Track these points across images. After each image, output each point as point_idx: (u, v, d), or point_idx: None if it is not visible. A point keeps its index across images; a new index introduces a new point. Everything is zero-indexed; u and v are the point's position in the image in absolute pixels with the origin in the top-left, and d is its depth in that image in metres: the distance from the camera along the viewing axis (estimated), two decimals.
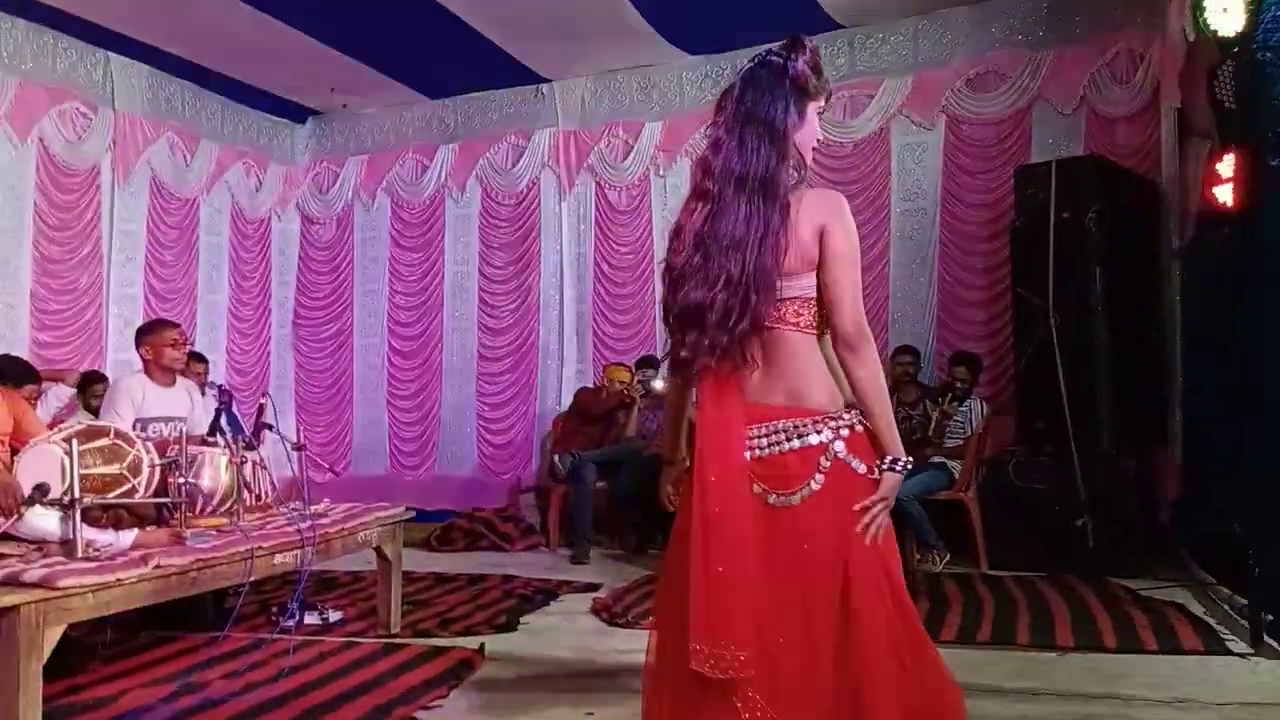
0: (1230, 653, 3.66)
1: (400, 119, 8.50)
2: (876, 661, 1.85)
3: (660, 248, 7.45)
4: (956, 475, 5.72)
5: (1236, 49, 4.02)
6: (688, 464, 2.09)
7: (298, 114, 8.64)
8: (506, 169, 8.09)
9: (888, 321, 6.83)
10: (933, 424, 5.95)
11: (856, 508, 1.92)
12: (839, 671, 1.87)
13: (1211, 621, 4.11)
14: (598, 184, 7.85)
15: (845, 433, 1.95)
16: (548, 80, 7.89)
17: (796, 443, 1.94)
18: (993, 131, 6.66)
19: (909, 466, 1.99)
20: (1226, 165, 4.25)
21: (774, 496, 1.93)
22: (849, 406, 1.98)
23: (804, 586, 1.91)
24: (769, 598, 1.89)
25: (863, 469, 1.94)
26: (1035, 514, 5.41)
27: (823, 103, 2.07)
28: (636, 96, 7.73)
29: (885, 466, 1.95)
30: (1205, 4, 4.14)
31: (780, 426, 1.95)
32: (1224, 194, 4.26)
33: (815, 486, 1.92)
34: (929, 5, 6.70)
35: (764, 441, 1.95)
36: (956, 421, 5.91)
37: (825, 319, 1.98)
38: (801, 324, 1.98)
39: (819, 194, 2.00)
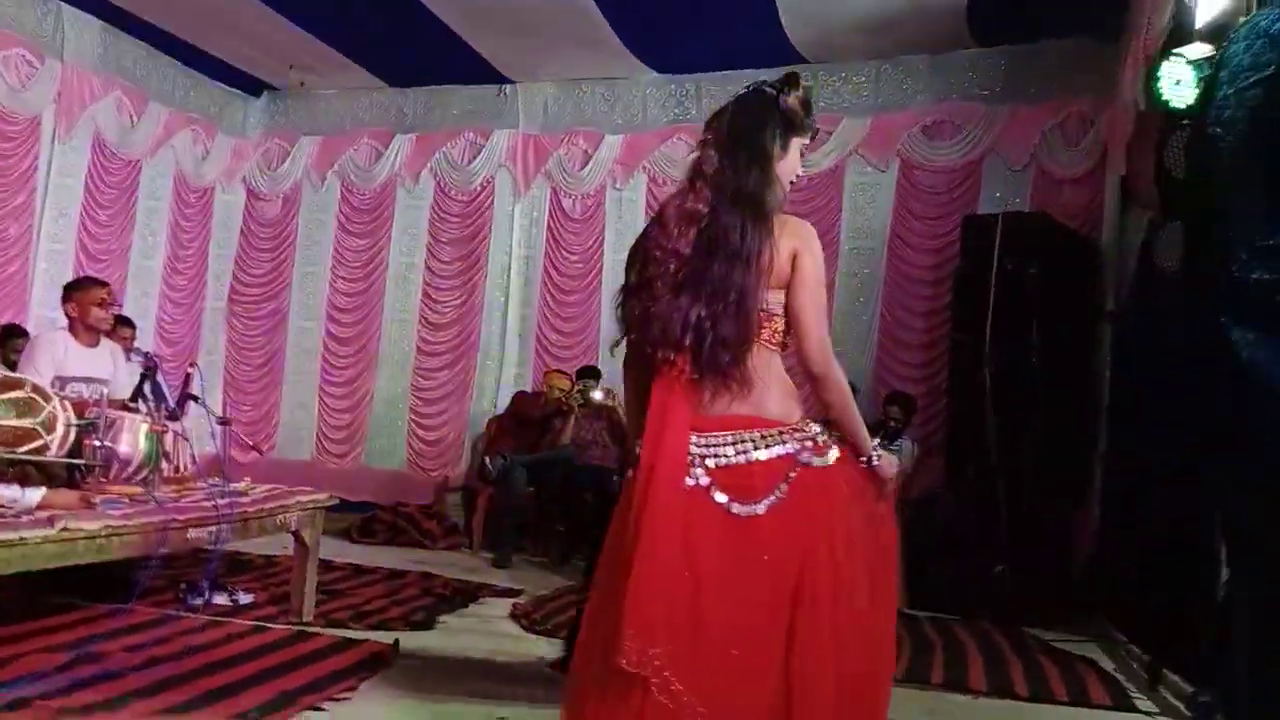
0: (1136, 709, 3.74)
1: (358, 103, 8.37)
2: (816, 673, 1.88)
3: (611, 259, 7.53)
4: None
5: (1187, 121, 4.16)
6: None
7: (253, 87, 8.45)
8: (462, 165, 8.01)
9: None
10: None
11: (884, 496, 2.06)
12: (780, 682, 1.89)
13: (1121, 678, 4.20)
14: (553, 190, 7.82)
15: (815, 442, 2.01)
16: (512, 81, 7.84)
17: (764, 453, 1.97)
18: (944, 179, 6.80)
19: (880, 457, 2.07)
20: (1173, 233, 4.38)
21: (737, 506, 1.94)
22: (808, 420, 2.04)
23: (762, 599, 1.91)
24: (722, 608, 1.89)
25: (832, 458, 2.00)
26: (956, 557, 5.49)
27: (807, 139, 2.16)
28: (600, 107, 7.73)
29: (869, 464, 2.05)
30: (1160, 76, 4.27)
31: (747, 436, 1.98)
32: (1167, 261, 4.38)
33: (779, 496, 1.95)
34: (892, 50, 6.83)
35: (730, 450, 1.97)
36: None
37: (786, 335, 2.05)
38: (765, 338, 2.03)
39: (794, 220, 2.07)
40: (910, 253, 6.84)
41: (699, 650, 1.87)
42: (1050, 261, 5.64)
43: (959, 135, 6.77)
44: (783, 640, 1.90)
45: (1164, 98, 4.34)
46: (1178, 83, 4.25)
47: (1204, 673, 3.19)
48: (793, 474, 1.96)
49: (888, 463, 2.09)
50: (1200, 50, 4.03)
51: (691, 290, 1.97)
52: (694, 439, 1.97)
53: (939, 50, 6.77)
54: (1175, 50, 4.19)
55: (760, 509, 1.94)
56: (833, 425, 2.05)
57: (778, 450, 1.97)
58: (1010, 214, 5.99)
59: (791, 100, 2.10)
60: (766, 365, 2.03)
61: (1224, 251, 1.52)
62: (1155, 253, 4.39)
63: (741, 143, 2.07)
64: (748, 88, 2.16)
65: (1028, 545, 5.37)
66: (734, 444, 1.97)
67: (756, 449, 1.97)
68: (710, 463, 1.96)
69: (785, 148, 2.10)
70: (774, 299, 2.02)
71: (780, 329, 2.04)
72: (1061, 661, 4.39)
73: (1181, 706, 3.58)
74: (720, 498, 1.94)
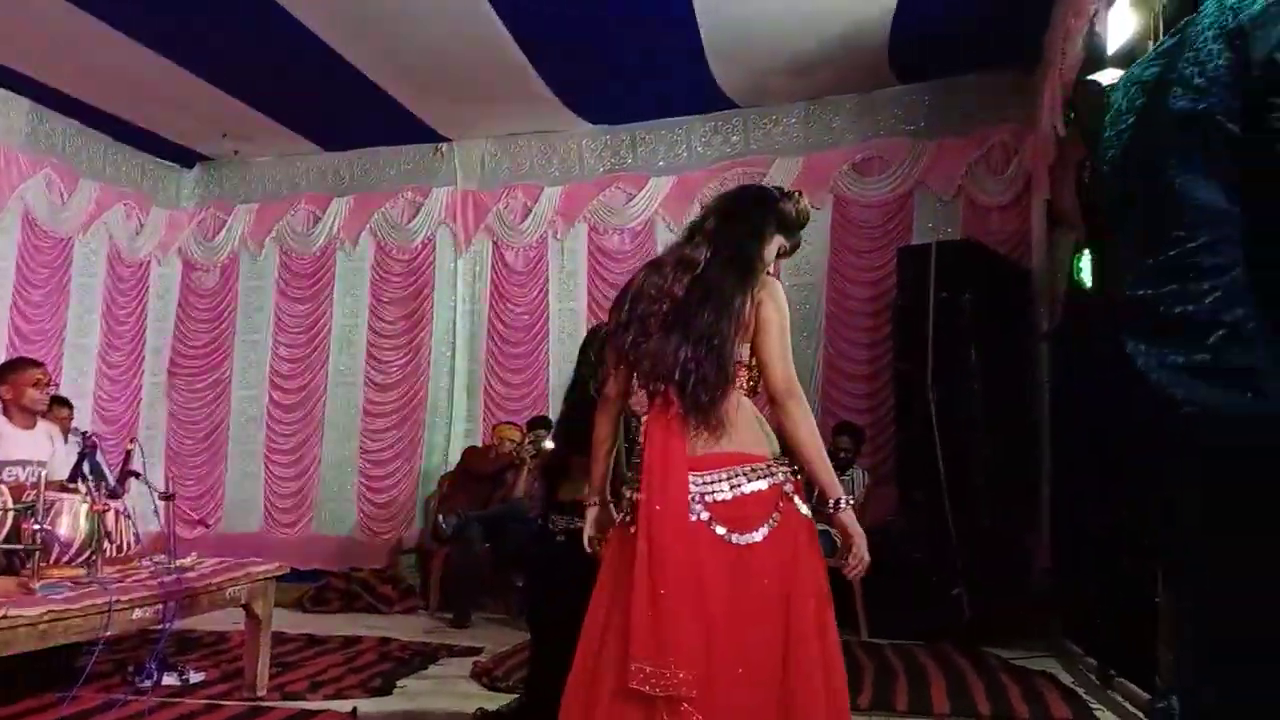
0: None
1: (294, 169, 8.36)
2: (812, 691, 2.10)
3: (556, 309, 7.56)
4: (838, 543, 5.80)
5: (1124, 125, 4.30)
6: (631, 498, 2.26)
7: (186, 158, 8.41)
8: (402, 224, 8.01)
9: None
10: (815, 492, 6.04)
11: (849, 558, 2.25)
12: (780, 696, 2.09)
13: (1080, 691, 4.25)
14: (495, 244, 7.85)
15: (793, 478, 2.23)
16: (448, 139, 7.90)
17: (754, 485, 2.17)
18: (877, 213, 6.95)
19: (851, 505, 2.27)
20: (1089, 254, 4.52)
21: (736, 536, 2.14)
22: (781, 457, 2.24)
23: (762, 620, 2.11)
24: (730, 630, 2.08)
25: (805, 510, 2.22)
26: (913, 584, 5.52)
27: (787, 244, 2.42)
28: (537, 160, 7.80)
29: (835, 508, 2.23)
30: (1076, 102, 4.43)
31: (738, 471, 2.18)
32: (1089, 280, 4.52)
33: (774, 524, 2.15)
34: (819, 91, 7.00)
35: (725, 486, 2.17)
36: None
37: (757, 382, 2.28)
38: (739, 383, 2.25)
39: (765, 278, 2.31)
40: (849, 286, 6.95)
41: (712, 671, 2.04)
42: (984, 287, 5.78)
43: (888, 170, 6.93)
44: (779, 657, 2.10)
45: (1084, 123, 4.51)
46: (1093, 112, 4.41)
47: (1160, 678, 3.24)
48: (781, 504, 2.18)
49: (854, 521, 2.25)
50: (1113, 75, 4.17)
51: (680, 332, 2.21)
52: (692, 478, 2.17)
53: (864, 89, 6.95)
54: (1089, 77, 4.35)
55: (758, 537, 2.14)
56: (795, 458, 2.22)
57: (765, 483, 2.18)
58: (943, 244, 6.13)
59: (788, 205, 2.39)
60: (738, 406, 2.23)
61: (1119, 271, 1.61)
62: (1077, 272, 4.52)
63: (741, 216, 2.36)
64: (755, 185, 2.61)
65: (983, 566, 5.43)
66: (727, 480, 2.17)
67: (749, 482, 2.17)
68: (709, 499, 2.16)
69: (770, 237, 2.36)
70: (744, 350, 2.23)
71: (753, 377, 2.26)
72: (1021, 678, 4.44)
73: (1141, 715, 3.63)
74: (720, 530, 2.14)
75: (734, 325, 2.18)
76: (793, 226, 2.41)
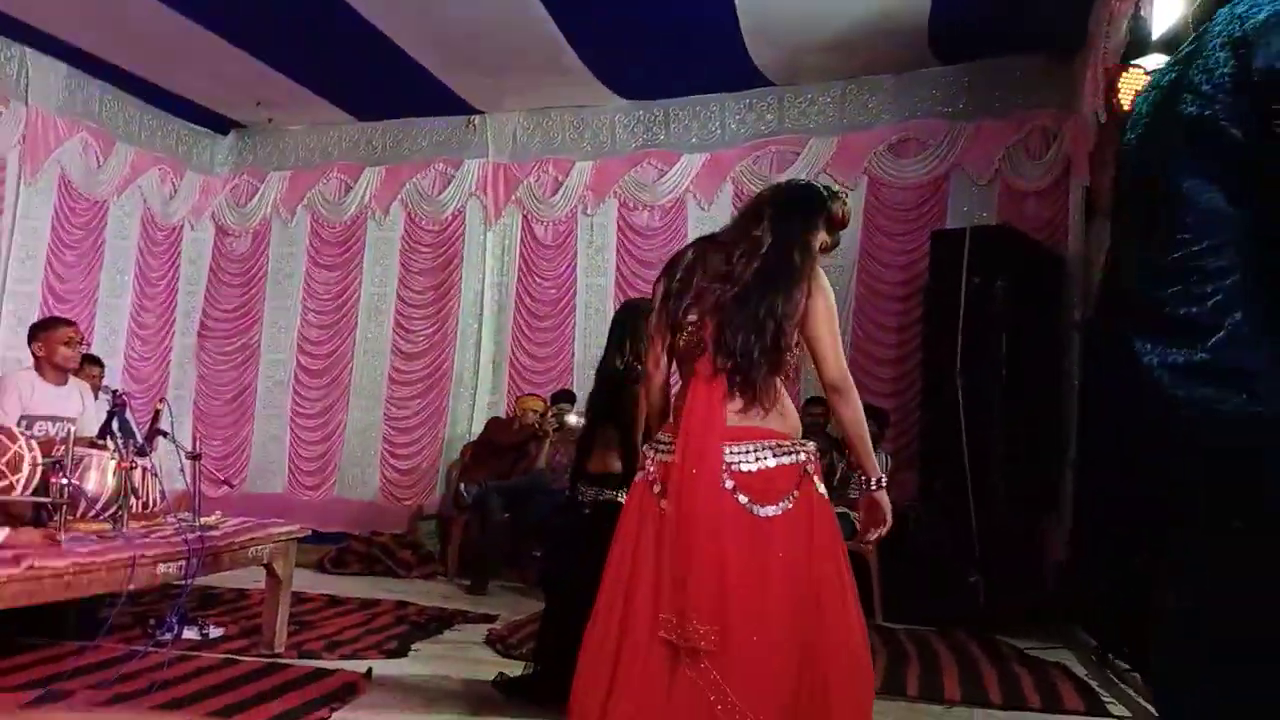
0: (1110, 715, 3.75)
1: (327, 138, 8.40)
2: (842, 662, 2.22)
3: (584, 284, 7.56)
4: (858, 526, 5.79)
5: (1137, 128, 4.23)
6: (656, 459, 2.38)
7: (220, 125, 8.47)
8: (433, 195, 8.04)
9: (801, 372, 6.91)
10: (838, 474, 6.04)
11: (871, 536, 2.44)
12: (806, 670, 2.18)
13: (1094, 684, 4.21)
14: (524, 217, 7.85)
15: (814, 458, 2.35)
16: (481, 111, 7.89)
17: (781, 459, 2.29)
18: (912, 195, 6.87)
19: (884, 482, 2.43)
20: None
21: (757, 507, 2.24)
22: (804, 439, 2.37)
23: (777, 591, 2.20)
24: (746, 597, 2.18)
25: (823, 490, 2.33)
26: (931, 569, 5.50)
27: (827, 242, 2.52)
28: (569, 135, 7.78)
29: (873, 487, 2.42)
30: (1119, 87, 4.35)
31: (766, 444, 2.30)
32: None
33: (790, 504, 2.26)
34: (856, 70, 6.92)
35: (751, 457, 2.28)
36: (861, 473, 6.00)
37: (793, 367, 2.39)
38: (786, 367, 2.37)
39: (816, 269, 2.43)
40: (880, 269, 6.89)
41: (728, 634, 2.13)
42: (1018, 274, 5.70)
43: (924, 152, 6.85)
44: (794, 630, 2.19)
45: (1124, 108, 4.42)
46: (1137, 93, 4.32)
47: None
48: (800, 487, 2.28)
49: (886, 500, 2.41)
50: (1157, 61, 4.10)
51: (744, 313, 2.31)
52: (725, 449, 2.27)
53: (902, 69, 6.86)
54: (1134, 61, 4.26)
55: (776, 511, 2.24)
56: (844, 442, 2.48)
57: (788, 460, 2.29)
58: (977, 228, 6.05)
59: (836, 205, 2.50)
60: (778, 389, 2.36)
61: (1128, 268, 1.65)
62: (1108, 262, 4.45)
63: (799, 209, 2.47)
64: (805, 182, 2.67)
65: (1001, 555, 5.40)
66: (754, 452, 2.28)
67: (774, 457, 2.28)
68: (735, 469, 2.26)
69: (818, 232, 2.48)
70: (794, 336, 2.35)
71: (793, 361, 2.37)
72: (1035, 669, 4.41)
73: (1152, 709, 3.59)
74: (743, 499, 2.24)
75: (793, 313, 2.31)
76: (837, 226, 2.52)
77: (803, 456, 2.31)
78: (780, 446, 2.29)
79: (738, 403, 2.31)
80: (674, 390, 2.52)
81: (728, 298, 2.33)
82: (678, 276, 2.43)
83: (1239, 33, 1.42)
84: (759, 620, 2.17)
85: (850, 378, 2.37)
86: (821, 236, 2.49)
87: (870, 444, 2.41)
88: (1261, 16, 1.40)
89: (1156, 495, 1.52)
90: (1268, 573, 1.38)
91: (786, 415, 2.36)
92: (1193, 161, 1.45)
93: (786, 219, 2.43)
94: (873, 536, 2.44)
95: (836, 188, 2.61)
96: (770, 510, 2.23)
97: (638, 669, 2.18)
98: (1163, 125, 1.60)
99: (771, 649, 2.16)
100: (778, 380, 2.35)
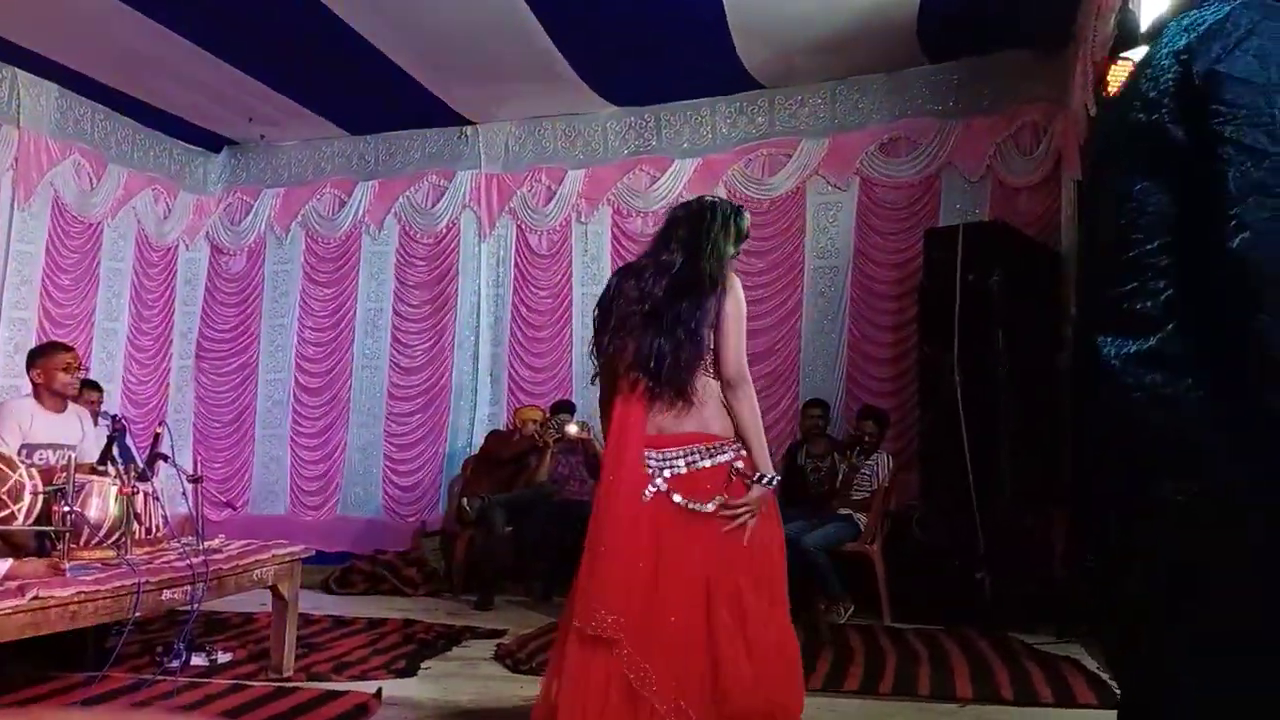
0: None
1: (319, 153, 8.40)
2: (733, 655, 2.41)
3: (580, 293, 7.56)
4: (863, 528, 5.80)
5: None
6: None
7: (213, 143, 8.46)
8: (426, 208, 8.03)
9: (798, 375, 6.94)
10: (840, 476, 6.04)
11: (725, 511, 2.49)
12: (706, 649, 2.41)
13: (1105, 676, 4.21)
14: (519, 227, 7.85)
15: (743, 454, 2.57)
16: (472, 123, 7.90)
17: (708, 461, 2.52)
18: (904, 195, 6.88)
19: (773, 482, 2.57)
20: None
21: (692, 504, 2.47)
22: (738, 436, 2.58)
23: (693, 580, 2.44)
24: (667, 584, 2.42)
25: (756, 486, 2.54)
26: (937, 568, 5.50)
27: (732, 253, 2.72)
28: (560, 143, 7.78)
29: (757, 481, 2.55)
30: (1109, 81, 4.35)
31: (694, 449, 2.52)
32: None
33: (725, 499, 2.49)
34: (846, 71, 6.92)
35: (681, 462, 2.50)
36: (863, 475, 6.01)
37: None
38: (705, 365, 2.57)
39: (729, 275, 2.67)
40: (874, 268, 6.90)
41: (649, 620, 2.39)
42: (1012, 269, 5.69)
43: (915, 150, 6.85)
44: (704, 615, 2.42)
45: (1114, 97, 4.43)
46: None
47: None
48: (732, 479, 2.52)
49: (759, 495, 2.55)
50: (1145, 53, 4.10)
51: (657, 323, 2.53)
52: (652, 454, 2.51)
53: (892, 68, 6.86)
54: (1122, 54, 4.27)
55: (710, 508, 2.48)
56: (738, 433, 2.58)
57: (720, 459, 2.54)
58: (970, 225, 6.06)
59: (741, 221, 2.75)
60: (706, 387, 2.57)
61: (1090, 268, 1.83)
62: None
63: (715, 218, 2.68)
64: (711, 199, 2.84)
65: (1006, 551, 5.39)
66: (684, 457, 2.51)
67: (702, 459, 2.52)
68: (667, 473, 2.49)
69: (726, 241, 2.69)
70: (711, 337, 2.56)
71: (713, 361, 2.57)
72: (1046, 664, 4.40)
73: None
74: (678, 499, 2.48)
75: (705, 313, 2.53)
76: (740, 239, 2.75)
77: (730, 454, 2.54)
78: (709, 449, 2.53)
79: (667, 409, 2.54)
80: None
81: (639, 317, 2.57)
82: (600, 310, 2.71)
83: (1183, 43, 1.55)
84: (675, 605, 2.41)
85: (747, 376, 2.58)
86: (729, 249, 2.69)
87: (762, 440, 2.59)
88: (1204, 28, 1.53)
89: (1120, 480, 1.63)
90: (1226, 562, 1.48)
91: (720, 413, 2.57)
92: (1142, 165, 1.58)
93: (695, 237, 2.64)
94: (735, 524, 2.50)
95: (739, 204, 2.84)
96: (703, 506, 2.48)
97: (571, 655, 2.43)
98: (1114, 131, 1.74)
99: (686, 629, 2.40)
100: (703, 381, 2.55)
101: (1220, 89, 1.46)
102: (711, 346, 2.54)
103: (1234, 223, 1.42)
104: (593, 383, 2.80)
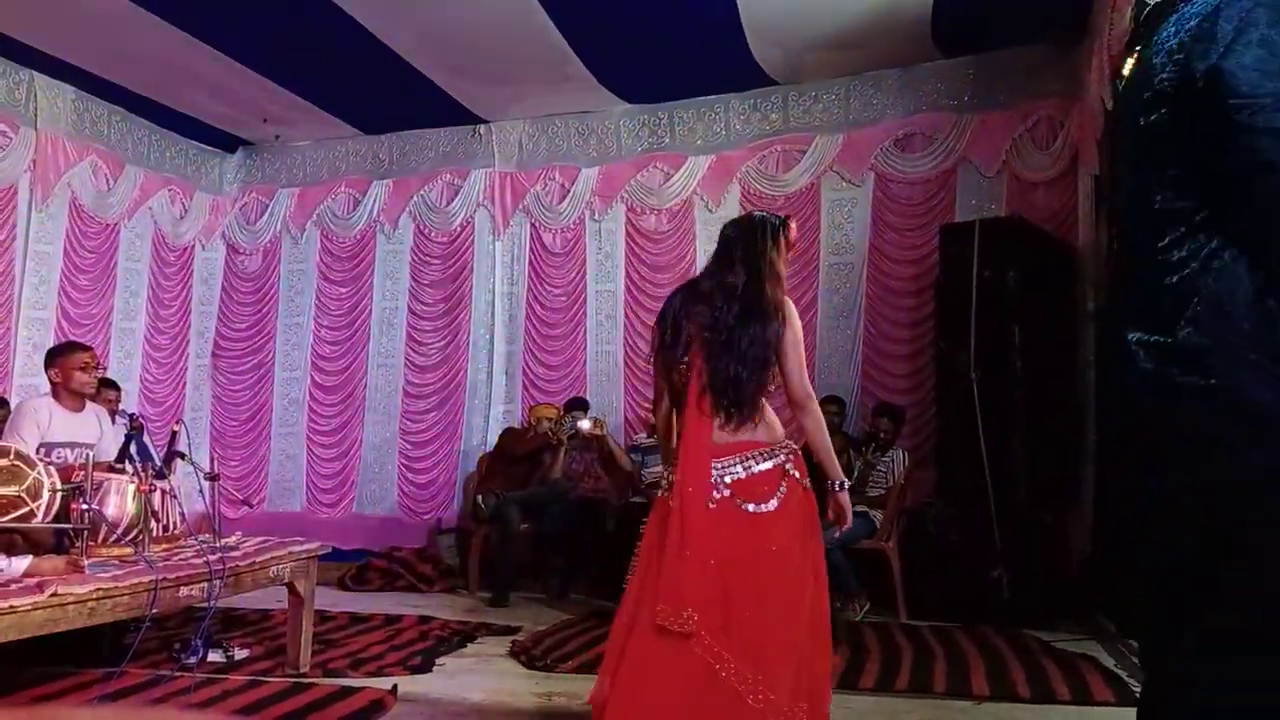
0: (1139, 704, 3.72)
1: (334, 153, 8.43)
2: (798, 632, 2.66)
3: (594, 290, 7.56)
4: (878, 525, 5.78)
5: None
6: (670, 479, 2.80)
7: (228, 143, 8.51)
8: (441, 207, 8.05)
9: (814, 371, 6.91)
10: (856, 473, 6.01)
11: (836, 535, 2.86)
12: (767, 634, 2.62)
13: (1122, 674, 4.18)
14: (533, 225, 7.86)
15: (792, 456, 2.78)
16: (485, 121, 7.90)
17: (762, 466, 2.73)
18: (919, 190, 6.84)
19: (844, 486, 2.83)
20: None
21: (752, 506, 2.69)
22: (784, 441, 2.81)
23: (772, 571, 2.65)
24: (745, 581, 2.63)
25: (805, 482, 2.77)
26: (953, 565, 5.47)
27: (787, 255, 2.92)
28: (574, 141, 7.78)
29: (833, 488, 2.83)
30: (1124, 74, 4.31)
31: (749, 455, 2.74)
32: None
33: (782, 495, 2.71)
34: (860, 66, 6.89)
35: (739, 469, 2.72)
36: (879, 471, 5.99)
37: (772, 382, 2.82)
38: (767, 389, 2.82)
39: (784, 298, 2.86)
40: (890, 265, 6.87)
41: (730, 613, 2.60)
42: (1029, 265, 5.66)
43: (930, 146, 6.81)
44: (793, 605, 2.67)
45: (1119, 97, 4.40)
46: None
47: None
48: (785, 480, 2.73)
49: (845, 497, 2.83)
50: None
51: (729, 351, 2.73)
52: (714, 464, 2.71)
53: (907, 64, 6.82)
54: (1138, 47, 4.22)
55: (771, 506, 2.70)
56: (809, 447, 2.81)
57: (770, 463, 2.74)
58: (986, 221, 6.03)
59: (787, 232, 2.90)
60: (763, 405, 2.81)
61: (1118, 266, 1.86)
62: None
63: (766, 235, 2.85)
64: (758, 216, 2.99)
65: (1023, 548, 5.36)
66: (741, 463, 2.73)
67: (758, 464, 2.73)
68: (728, 478, 2.71)
69: (779, 256, 2.86)
70: (772, 359, 2.78)
71: (774, 379, 2.81)
72: (1063, 661, 4.38)
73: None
74: (739, 501, 2.69)
75: (773, 341, 2.73)
76: (790, 248, 2.91)
77: (782, 458, 2.75)
78: (762, 454, 2.73)
79: (728, 424, 2.74)
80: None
81: (718, 341, 2.75)
82: (668, 327, 2.87)
83: (1175, 42, 1.57)
84: (755, 599, 2.61)
85: (811, 394, 2.78)
86: (781, 265, 2.87)
87: (831, 452, 2.81)
88: (1194, 24, 1.55)
89: (1140, 472, 1.66)
90: (1238, 557, 1.48)
91: (770, 426, 2.79)
92: (1148, 162, 1.61)
93: (751, 256, 2.81)
94: (837, 535, 2.78)
95: (784, 215, 2.98)
96: (764, 506, 2.69)
97: (646, 647, 2.60)
98: (1122, 130, 1.76)
99: (771, 618, 2.61)
100: (762, 399, 2.78)
101: (1234, 83, 1.46)
102: (773, 367, 2.77)
103: (1252, 210, 1.44)
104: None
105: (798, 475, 2.76)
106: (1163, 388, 1.53)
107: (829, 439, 2.81)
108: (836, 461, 2.84)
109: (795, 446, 2.82)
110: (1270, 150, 1.42)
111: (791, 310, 2.80)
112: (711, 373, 2.74)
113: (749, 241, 2.85)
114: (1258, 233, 1.48)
